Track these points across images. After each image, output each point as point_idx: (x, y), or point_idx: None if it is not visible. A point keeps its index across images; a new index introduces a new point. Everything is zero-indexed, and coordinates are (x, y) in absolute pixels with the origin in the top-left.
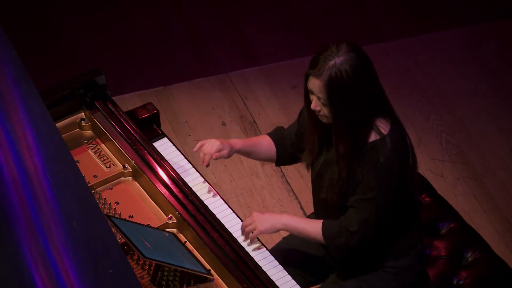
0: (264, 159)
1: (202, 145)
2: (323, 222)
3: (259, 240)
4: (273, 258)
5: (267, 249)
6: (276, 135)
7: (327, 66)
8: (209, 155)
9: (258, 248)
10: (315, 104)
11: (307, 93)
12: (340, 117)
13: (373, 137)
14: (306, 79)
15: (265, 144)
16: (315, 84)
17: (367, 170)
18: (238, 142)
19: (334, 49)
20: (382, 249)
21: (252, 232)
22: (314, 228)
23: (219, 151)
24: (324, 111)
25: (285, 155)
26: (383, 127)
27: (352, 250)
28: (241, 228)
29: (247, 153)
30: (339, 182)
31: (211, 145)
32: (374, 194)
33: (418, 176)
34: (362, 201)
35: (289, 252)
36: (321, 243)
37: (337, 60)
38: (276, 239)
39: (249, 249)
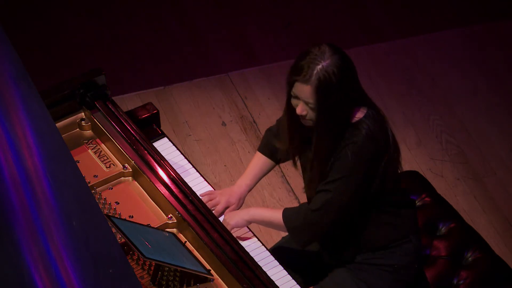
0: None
1: (209, 195)
2: (284, 209)
3: (250, 230)
4: (273, 258)
5: (267, 249)
6: (266, 148)
7: (315, 71)
8: (217, 213)
9: (248, 238)
10: (302, 109)
11: (289, 99)
12: (326, 119)
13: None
14: (291, 86)
15: (263, 164)
16: (303, 89)
17: (338, 153)
18: (242, 187)
19: (317, 53)
20: (366, 233)
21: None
22: (277, 216)
23: (228, 206)
24: (311, 115)
25: (283, 156)
26: (358, 114)
27: (313, 232)
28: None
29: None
30: (316, 181)
31: (218, 206)
32: (341, 175)
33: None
34: (329, 183)
35: (289, 252)
36: (285, 231)
37: (324, 64)
38: (276, 239)
39: (249, 249)
